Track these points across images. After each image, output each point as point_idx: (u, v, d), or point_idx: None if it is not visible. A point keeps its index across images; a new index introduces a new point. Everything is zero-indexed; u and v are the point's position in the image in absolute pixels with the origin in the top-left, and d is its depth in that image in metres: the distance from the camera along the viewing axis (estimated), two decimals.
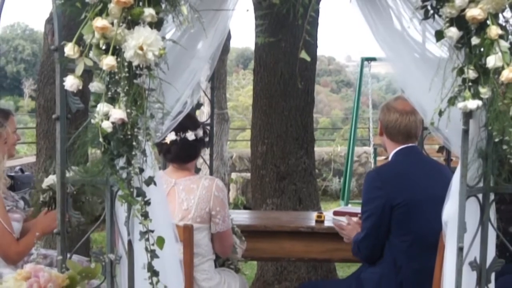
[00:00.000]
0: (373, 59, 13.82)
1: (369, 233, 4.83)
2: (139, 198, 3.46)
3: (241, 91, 38.39)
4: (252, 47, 8.36)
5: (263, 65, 7.99)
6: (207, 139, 5.03)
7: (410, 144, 4.93)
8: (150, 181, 3.53)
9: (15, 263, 4.86)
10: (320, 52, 7.72)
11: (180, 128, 4.75)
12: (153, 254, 3.52)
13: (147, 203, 3.47)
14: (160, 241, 3.51)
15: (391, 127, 4.90)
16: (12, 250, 4.82)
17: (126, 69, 3.33)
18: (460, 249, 3.69)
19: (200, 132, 4.86)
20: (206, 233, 4.77)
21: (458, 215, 3.67)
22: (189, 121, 4.80)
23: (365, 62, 14.28)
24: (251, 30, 8.17)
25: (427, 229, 4.64)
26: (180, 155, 4.85)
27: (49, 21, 7.50)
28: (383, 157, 13.95)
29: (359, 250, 4.92)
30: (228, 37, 12.82)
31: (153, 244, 3.49)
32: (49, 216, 4.88)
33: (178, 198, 4.74)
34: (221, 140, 13.43)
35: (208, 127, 4.93)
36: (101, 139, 3.36)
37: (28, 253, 4.87)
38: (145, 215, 3.44)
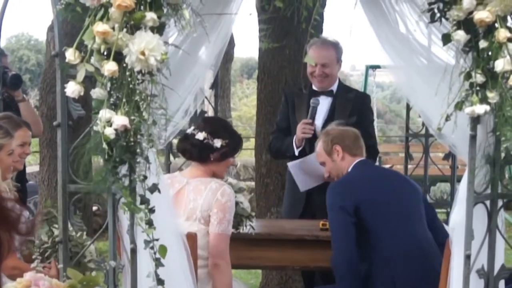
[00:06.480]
0: (378, 67, 13.78)
1: (341, 240, 4.84)
2: (143, 206, 3.42)
3: (245, 101, 38.43)
4: (256, 56, 8.31)
5: (267, 73, 7.94)
6: (223, 150, 4.94)
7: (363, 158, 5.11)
8: (154, 188, 3.49)
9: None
10: None
11: (212, 130, 4.78)
12: (158, 263, 3.48)
13: (152, 210, 3.43)
14: (163, 250, 3.47)
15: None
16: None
17: (128, 74, 3.29)
18: (468, 257, 3.65)
19: (217, 142, 4.82)
20: (207, 238, 4.72)
21: (466, 222, 3.64)
22: (223, 130, 4.85)
23: (370, 71, 14.23)
24: (255, 39, 8.13)
25: (397, 224, 4.79)
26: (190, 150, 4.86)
27: (51, 28, 7.50)
28: (388, 165, 13.92)
29: (337, 267, 4.87)
30: (232, 45, 12.80)
31: (155, 253, 3.46)
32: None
33: (187, 197, 4.72)
34: None
35: (227, 141, 4.88)
36: (104, 146, 3.32)
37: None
38: (150, 223, 3.40)
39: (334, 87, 6.22)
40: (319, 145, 5.19)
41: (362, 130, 6.10)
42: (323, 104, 6.13)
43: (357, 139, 5.13)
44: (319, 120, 6.10)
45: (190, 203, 4.70)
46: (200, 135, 4.76)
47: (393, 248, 4.76)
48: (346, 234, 4.80)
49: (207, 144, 4.78)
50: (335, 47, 6.12)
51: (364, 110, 6.27)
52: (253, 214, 5.49)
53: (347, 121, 6.02)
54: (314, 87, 6.21)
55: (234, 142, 4.89)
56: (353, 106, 6.18)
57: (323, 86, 6.14)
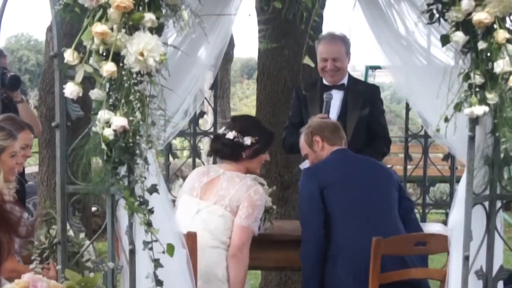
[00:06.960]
0: (378, 67, 13.75)
1: (308, 225, 4.95)
2: (142, 207, 3.42)
3: (245, 101, 38.40)
4: (256, 57, 8.30)
5: (267, 73, 7.93)
6: (254, 147, 5.00)
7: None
8: (153, 189, 3.49)
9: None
10: None
11: (240, 128, 4.94)
12: (157, 264, 3.48)
13: (151, 211, 3.43)
14: (171, 249, 3.49)
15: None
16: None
17: (127, 75, 3.29)
18: (466, 258, 3.64)
19: (247, 140, 4.95)
20: (230, 225, 4.82)
21: (464, 223, 3.63)
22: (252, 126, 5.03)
23: (370, 71, 14.19)
24: (255, 40, 8.12)
25: (360, 205, 4.86)
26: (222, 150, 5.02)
27: (50, 29, 7.47)
28: (389, 166, 13.88)
29: (303, 248, 5.00)
30: (232, 45, 12.77)
31: (163, 252, 3.46)
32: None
33: (220, 185, 4.86)
34: None
35: (257, 138, 4.96)
36: (104, 147, 3.32)
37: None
38: (149, 224, 3.40)
39: (345, 81, 6.22)
40: (301, 139, 5.28)
41: (374, 121, 6.11)
42: (336, 98, 6.13)
43: (337, 129, 5.20)
44: (333, 114, 6.10)
45: (221, 190, 4.85)
46: (230, 135, 4.93)
47: (348, 234, 4.81)
48: (314, 217, 4.92)
49: (237, 143, 4.94)
50: (344, 40, 6.14)
51: (375, 101, 6.26)
52: (274, 207, 5.64)
53: (360, 113, 6.05)
54: (325, 82, 6.21)
55: (265, 138, 5.04)
56: (365, 97, 6.18)
57: (334, 80, 6.14)
